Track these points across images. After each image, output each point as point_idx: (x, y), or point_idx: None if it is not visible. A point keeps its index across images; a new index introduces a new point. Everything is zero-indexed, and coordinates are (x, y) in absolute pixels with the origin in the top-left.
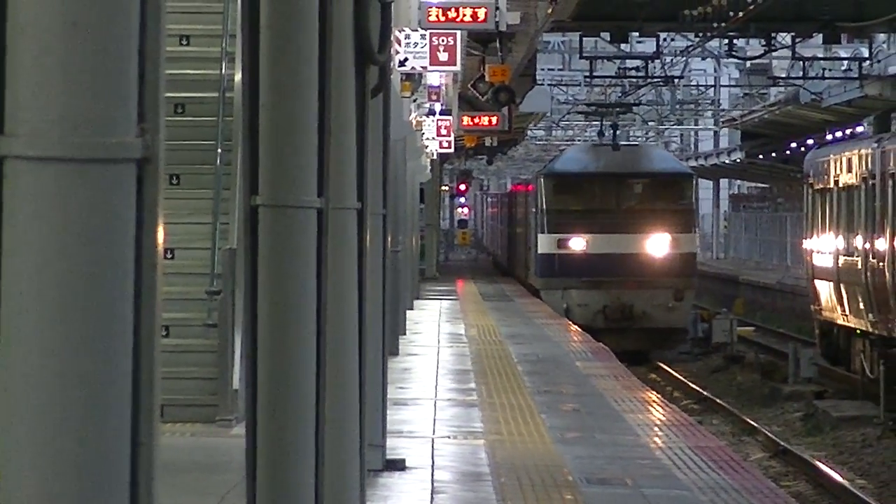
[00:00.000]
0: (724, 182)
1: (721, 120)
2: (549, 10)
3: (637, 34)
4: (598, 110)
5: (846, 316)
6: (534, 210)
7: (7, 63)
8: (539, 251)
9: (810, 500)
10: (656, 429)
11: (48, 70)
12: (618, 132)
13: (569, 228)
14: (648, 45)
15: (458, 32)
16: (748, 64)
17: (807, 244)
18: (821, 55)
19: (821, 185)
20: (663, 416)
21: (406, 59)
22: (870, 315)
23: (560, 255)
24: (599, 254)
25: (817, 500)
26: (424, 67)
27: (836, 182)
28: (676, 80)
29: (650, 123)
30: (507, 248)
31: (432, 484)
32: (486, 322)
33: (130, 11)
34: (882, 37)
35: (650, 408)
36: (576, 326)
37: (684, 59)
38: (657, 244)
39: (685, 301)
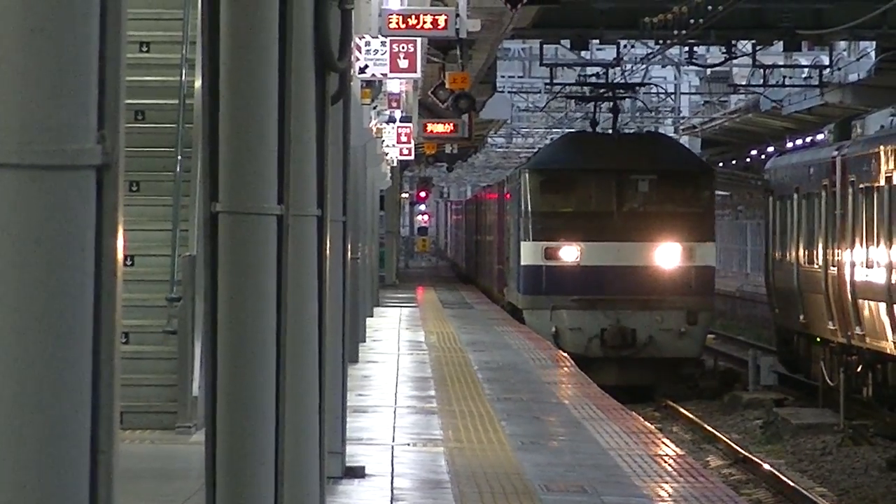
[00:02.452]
0: None
1: (681, 128)
2: (510, 18)
3: (597, 41)
4: (595, 92)
5: (806, 324)
6: (515, 213)
7: None
8: (522, 262)
9: (743, 484)
10: (616, 436)
11: (7, 76)
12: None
13: (559, 235)
14: (609, 53)
15: (419, 39)
16: (708, 71)
17: (767, 252)
18: (781, 63)
19: (781, 193)
20: (623, 423)
21: (366, 66)
22: (830, 323)
23: (548, 268)
24: (596, 266)
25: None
26: (385, 74)
27: (797, 190)
28: (637, 88)
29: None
30: (468, 255)
31: (392, 491)
32: (445, 329)
33: (90, 18)
34: (842, 44)
35: (610, 415)
36: (562, 347)
37: (644, 66)
38: (666, 255)
39: (700, 325)
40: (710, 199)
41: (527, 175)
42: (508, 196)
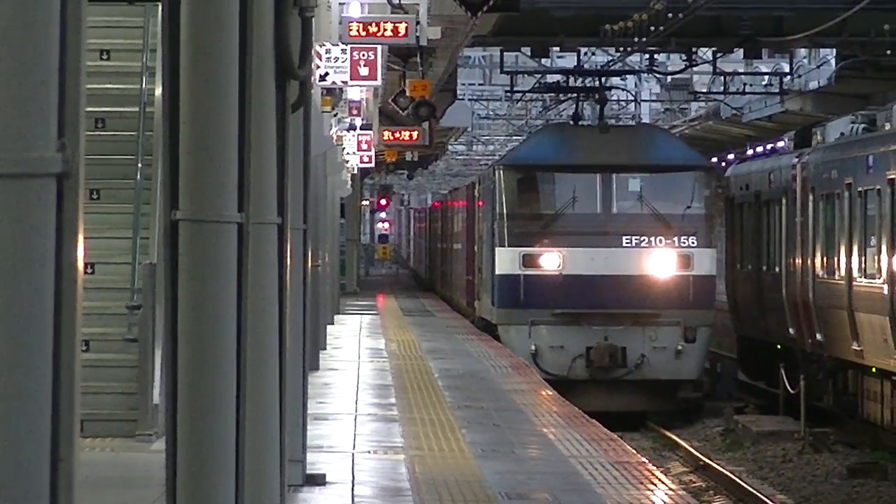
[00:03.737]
0: None
1: None
2: (470, 25)
3: (558, 49)
4: (577, 83)
5: (767, 331)
6: (489, 216)
7: None
8: (497, 271)
9: (702, 494)
10: (576, 444)
11: None
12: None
13: (538, 240)
14: (569, 60)
15: (379, 47)
16: (669, 79)
17: (727, 259)
18: (741, 70)
19: (741, 200)
20: (583, 431)
21: (326, 74)
22: (790, 330)
23: (526, 278)
24: (580, 276)
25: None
26: (345, 82)
27: (758, 197)
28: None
29: None
30: (431, 264)
31: (353, 499)
32: (406, 337)
33: (49, 26)
34: (802, 52)
35: (570, 423)
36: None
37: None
38: (661, 263)
39: (699, 343)
40: (710, 200)
41: (501, 172)
42: (480, 197)
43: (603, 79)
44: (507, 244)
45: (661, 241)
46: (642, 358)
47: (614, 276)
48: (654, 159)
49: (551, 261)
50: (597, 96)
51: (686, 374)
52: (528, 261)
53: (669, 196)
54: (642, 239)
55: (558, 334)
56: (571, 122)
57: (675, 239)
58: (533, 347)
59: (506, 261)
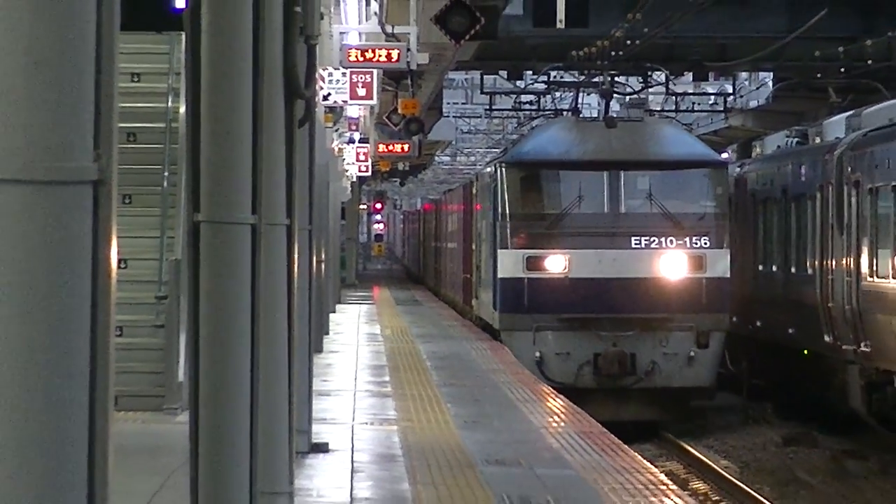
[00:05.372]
0: None
1: None
2: (454, 52)
3: (530, 72)
4: (588, 71)
5: None
6: (490, 216)
7: None
8: (500, 275)
9: (681, 478)
10: (547, 416)
11: (14, 102)
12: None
13: (543, 242)
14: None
15: (375, 71)
16: (627, 98)
17: None
18: (691, 91)
19: None
20: (553, 405)
21: (329, 94)
22: (734, 318)
23: (531, 281)
24: (587, 279)
25: (687, 477)
26: (345, 101)
27: None
28: (567, 112)
29: None
30: (424, 260)
31: (352, 464)
32: (398, 323)
33: (87, 52)
34: (744, 75)
35: (541, 398)
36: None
37: (572, 93)
38: (672, 265)
39: (712, 349)
40: (723, 198)
41: (503, 170)
42: (478, 196)
43: (607, 75)
44: (509, 246)
45: (672, 241)
46: (653, 365)
47: (623, 279)
48: (664, 155)
49: (557, 263)
50: (603, 86)
51: (699, 381)
52: (533, 263)
53: (681, 194)
54: (652, 240)
55: (564, 340)
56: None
57: (687, 239)
58: (538, 354)
59: (509, 263)
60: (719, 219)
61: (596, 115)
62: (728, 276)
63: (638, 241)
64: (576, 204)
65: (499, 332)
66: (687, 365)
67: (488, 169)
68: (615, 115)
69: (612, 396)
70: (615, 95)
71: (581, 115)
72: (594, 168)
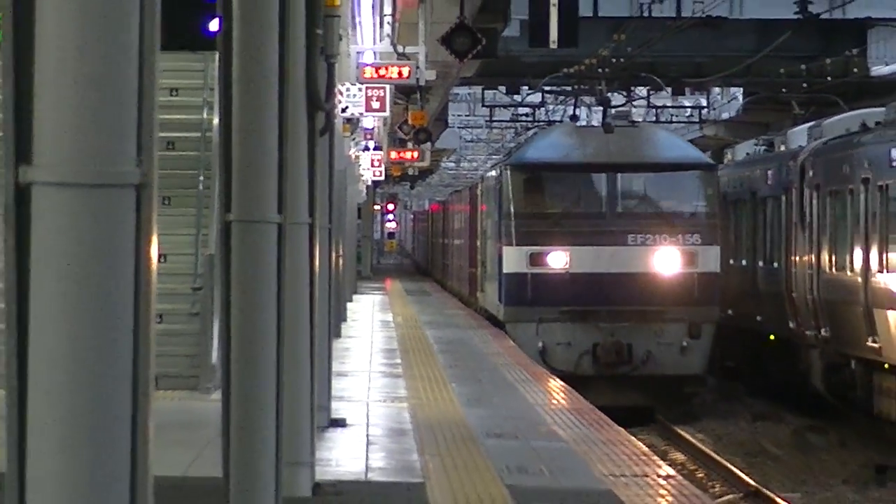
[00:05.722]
0: None
1: None
2: (458, 69)
3: (526, 87)
4: (587, 79)
5: None
6: (495, 215)
7: (34, 109)
8: (505, 270)
9: (661, 450)
10: (541, 395)
11: (65, 115)
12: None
13: (545, 239)
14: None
15: (387, 86)
16: (613, 111)
17: None
18: (669, 104)
19: None
20: (547, 385)
21: (346, 107)
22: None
23: (534, 276)
24: (586, 273)
25: (666, 449)
26: (361, 113)
27: None
28: (561, 121)
29: None
30: (433, 256)
31: (367, 437)
32: (409, 312)
33: (130, 68)
34: (717, 90)
35: (537, 379)
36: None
37: (563, 106)
38: (665, 261)
39: (703, 339)
40: (713, 198)
41: (509, 172)
42: (483, 196)
43: (605, 85)
44: (514, 243)
45: (665, 239)
46: (648, 354)
47: (620, 274)
48: (658, 158)
49: (558, 259)
50: (601, 95)
51: (691, 369)
52: (535, 259)
53: (673, 194)
54: (647, 237)
55: (565, 331)
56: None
57: (680, 237)
58: (540, 344)
59: (513, 259)
60: (710, 217)
61: (586, 125)
62: (718, 270)
63: (634, 239)
64: (575, 204)
65: (504, 323)
66: (680, 354)
67: (493, 172)
68: (612, 122)
69: (610, 383)
70: (600, 107)
71: (578, 123)
72: (593, 170)
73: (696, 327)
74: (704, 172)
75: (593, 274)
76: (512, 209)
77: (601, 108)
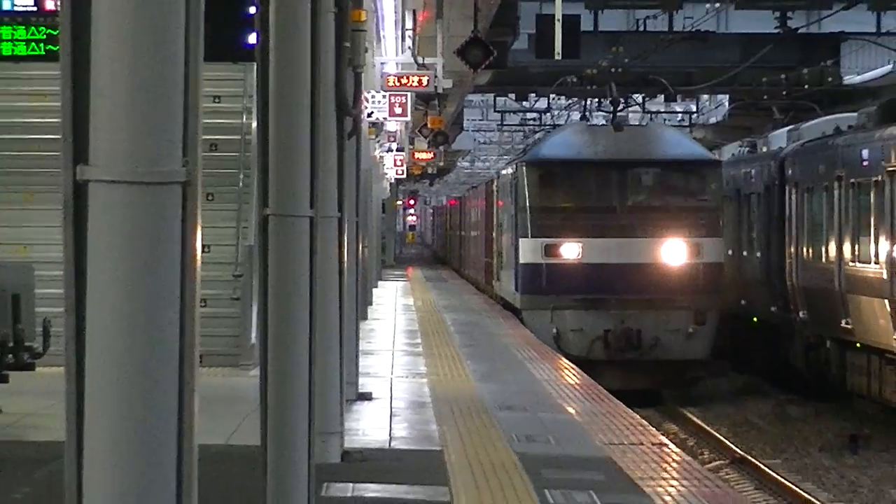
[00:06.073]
0: None
1: None
2: (472, 78)
3: (534, 95)
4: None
5: None
6: (511, 208)
7: (90, 114)
8: (521, 260)
9: (655, 421)
10: (547, 372)
11: (118, 119)
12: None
13: (559, 231)
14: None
15: (409, 93)
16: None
17: None
18: (663, 110)
19: None
20: (552, 363)
21: (372, 112)
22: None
23: (548, 266)
24: (598, 264)
25: (661, 420)
26: (385, 118)
27: None
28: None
29: None
30: (445, 245)
31: (391, 409)
32: (428, 297)
33: (177, 78)
34: (705, 97)
35: (542, 358)
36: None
37: (567, 112)
38: (672, 252)
39: (708, 326)
40: (717, 192)
41: (525, 168)
42: (499, 191)
43: (615, 87)
44: (530, 235)
45: (672, 231)
46: (656, 340)
47: (630, 265)
48: (665, 155)
49: (571, 250)
50: (612, 95)
51: (697, 354)
52: (550, 250)
53: (680, 189)
54: (655, 229)
55: (578, 318)
56: (584, 123)
57: (686, 229)
58: (555, 330)
59: (529, 250)
60: (714, 211)
61: (597, 124)
62: (722, 261)
63: (643, 231)
64: (588, 198)
65: (520, 311)
66: (686, 340)
67: (509, 169)
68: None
69: (620, 368)
70: (602, 113)
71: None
72: (604, 167)
73: (701, 314)
74: (709, 168)
75: (604, 264)
76: (528, 203)
77: (611, 108)
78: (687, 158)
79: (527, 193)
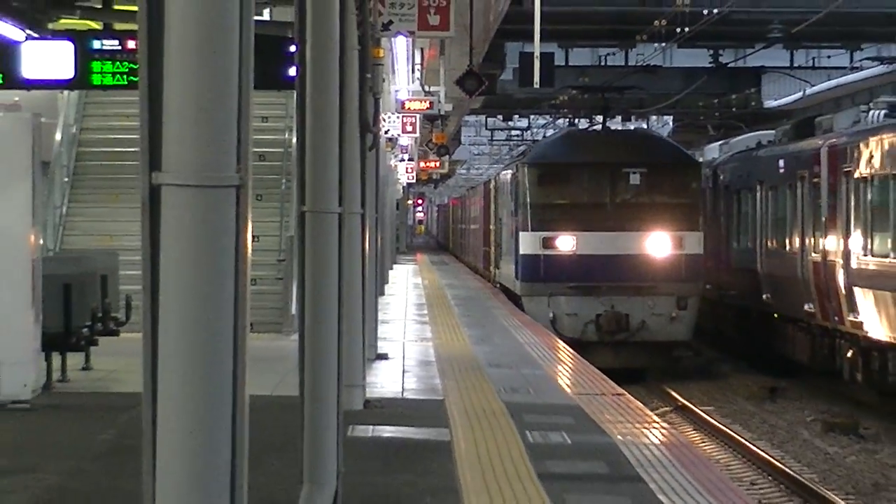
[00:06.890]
0: None
1: None
2: (468, 102)
3: (517, 116)
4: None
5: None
6: (512, 205)
7: (163, 131)
8: (521, 252)
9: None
10: (528, 337)
11: (186, 135)
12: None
13: (556, 225)
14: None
15: (417, 115)
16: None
17: None
18: (620, 127)
19: None
20: (533, 331)
21: (388, 130)
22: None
23: (546, 257)
24: (590, 255)
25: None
26: (398, 134)
27: None
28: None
29: None
30: (448, 236)
31: (403, 367)
32: (432, 277)
33: (232, 100)
34: (654, 117)
35: (525, 326)
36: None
37: (544, 130)
38: (657, 244)
39: (689, 310)
40: (696, 191)
41: (525, 169)
42: (497, 190)
43: (605, 98)
44: (530, 229)
45: (657, 225)
46: (642, 323)
47: (619, 255)
48: (651, 157)
49: (567, 243)
50: (602, 105)
51: (679, 336)
52: (547, 243)
53: (664, 188)
54: (642, 224)
55: (572, 303)
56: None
57: (669, 224)
58: (551, 314)
59: (528, 243)
60: (694, 207)
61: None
62: (702, 252)
63: (631, 225)
64: (582, 196)
65: (520, 296)
66: (670, 323)
67: (508, 171)
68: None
69: (611, 348)
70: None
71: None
72: (596, 167)
73: (684, 300)
74: (690, 169)
75: (596, 255)
76: (528, 200)
77: (601, 115)
78: (671, 160)
79: (527, 192)
